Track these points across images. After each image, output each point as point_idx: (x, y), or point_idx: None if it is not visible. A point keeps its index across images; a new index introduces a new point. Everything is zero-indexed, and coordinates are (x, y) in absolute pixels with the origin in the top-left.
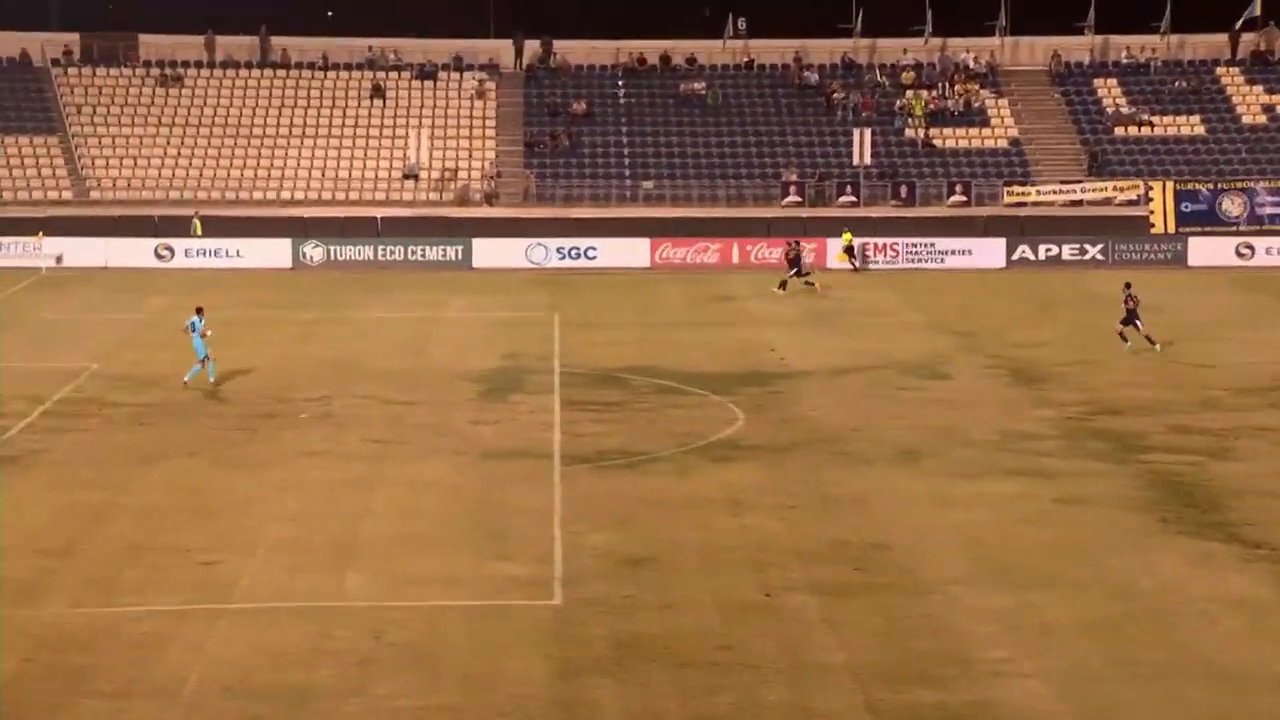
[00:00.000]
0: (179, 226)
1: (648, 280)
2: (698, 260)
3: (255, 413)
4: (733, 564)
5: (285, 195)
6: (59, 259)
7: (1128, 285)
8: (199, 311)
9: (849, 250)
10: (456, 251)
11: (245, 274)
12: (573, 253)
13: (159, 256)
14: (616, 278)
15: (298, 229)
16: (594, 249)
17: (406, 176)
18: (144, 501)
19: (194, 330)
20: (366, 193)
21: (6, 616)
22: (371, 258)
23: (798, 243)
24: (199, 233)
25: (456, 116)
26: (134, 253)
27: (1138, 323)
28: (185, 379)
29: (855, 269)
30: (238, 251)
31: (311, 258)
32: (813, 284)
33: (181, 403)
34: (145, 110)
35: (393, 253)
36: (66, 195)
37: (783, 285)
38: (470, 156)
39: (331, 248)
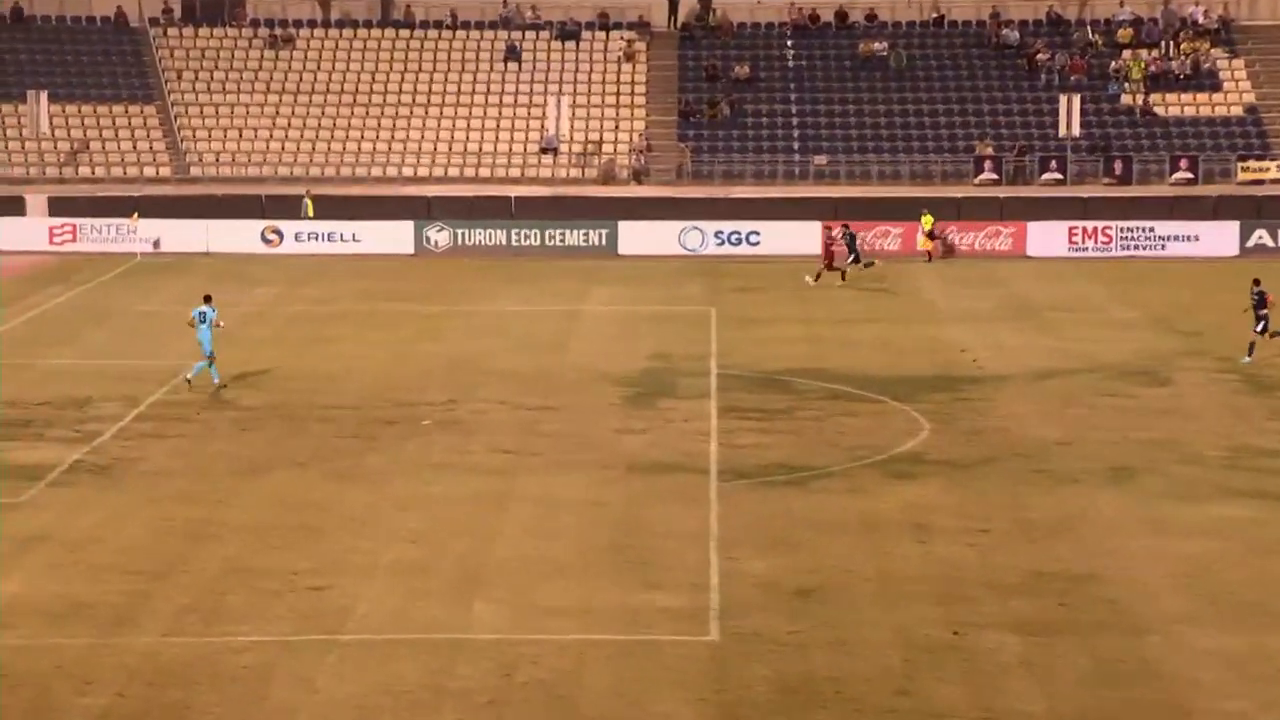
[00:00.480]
0: (288, 207)
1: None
2: (877, 246)
3: (372, 419)
4: (915, 596)
5: (407, 172)
6: (155, 243)
7: (1256, 282)
8: (208, 300)
9: (931, 235)
10: (600, 236)
11: (362, 261)
12: (732, 238)
13: (266, 240)
14: (782, 267)
15: (421, 210)
16: (757, 233)
17: (544, 151)
18: (248, 518)
19: (203, 322)
20: (499, 169)
21: (97, 646)
22: (504, 243)
23: (847, 227)
24: (311, 214)
25: (601, 82)
26: (238, 236)
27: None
28: (188, 376)
29: (930, 258)
30: (354, 235)
31: (436, 243)
32: (873, 264)
33: (290, 407)
34: (252, 76)
35: (528, 237)
36: (164, 171)
37: (843, 275)
38: (616, 128)
39: (459, 231)
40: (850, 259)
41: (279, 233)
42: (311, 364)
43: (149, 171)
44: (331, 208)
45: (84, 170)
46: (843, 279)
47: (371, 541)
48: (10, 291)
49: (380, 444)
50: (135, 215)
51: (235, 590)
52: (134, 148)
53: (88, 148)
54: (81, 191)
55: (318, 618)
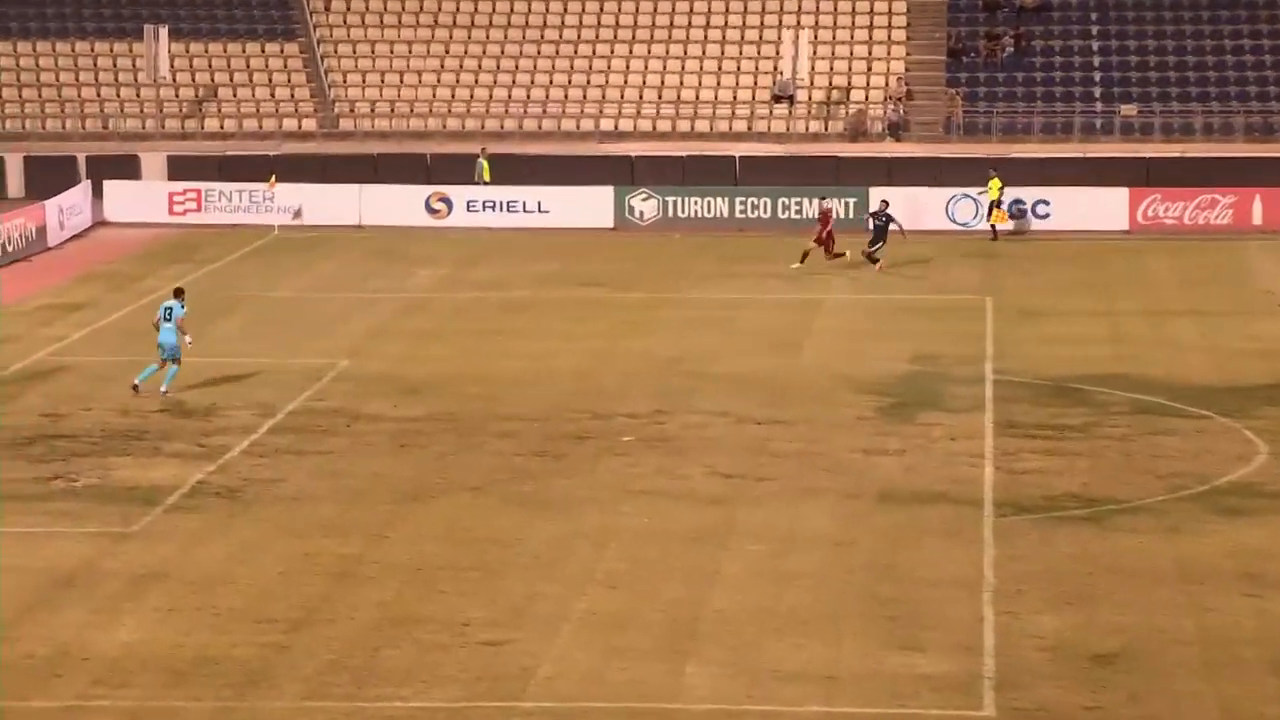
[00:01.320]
0: (460, 169)
1: (1125, 248)
2: (1200, 220)
3: (561, 433)
4: (1246, 664)
5: (606, 126)
6: (297, 213)
7: None
8: (179, 295)
9: (998, 205)
10: (845, 205)
11: (549, 236)
12: (1014, 208)
13: (431, 210)
14: (1077, 245)
15: (622, 173)
16: (1045, 203)
17: (777, 99)
18: (408, 555)
19: (168, 319)
20: (720, 122)
21: (225, 710)
22: (725, 213)
23: (886, 204)
24: (487, 178)
25: (850, 13)
26: (398, 204)
27: None
28: (163, 388)
29: (995, 234)
30: (539, 204)
31: (641, 213)
32: (878, 260)
33: (461, 418)
34: (415, 9)
35: (755, 207)
36: (308, 125)
37: (876, 262)
38: (869, 70)
39: (669, 199)
40: (876, 244)
41: (447, 201)
42: (486, 365)
43: (289, 125)
44: (512, 170)
45: (211, 124)
46: (877, 266)
47: (560, 585)
48: (121, 272)
49: (571, 465)
50: (272, 179)
51: (393, 644)
52: (272, 96)
53: (215, 95)
54: (208, 150)
55: (493, 679)
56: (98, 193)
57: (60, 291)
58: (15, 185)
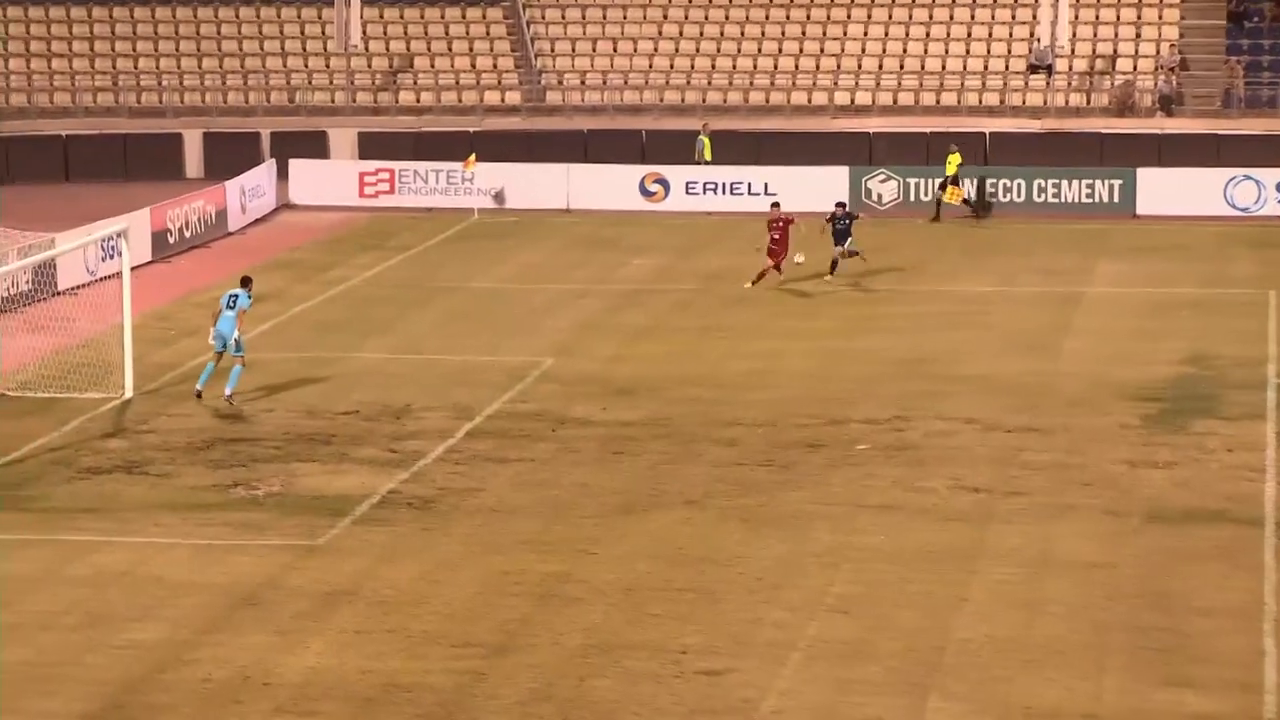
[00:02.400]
0: (679, 146)
1: None
2: None
3: (789, 441)
4: None
5: (841, 100)
6: (498, 196)
7: None
8: (246, 284)
9: (954, 181)
10: (1110, 189)
11: None
12: None
13: (646, 193)
14: None
15: (858, 152)
16: None
17: (1033, 69)
18: (618, 574)
19: (230, 307)
20: (968, 95)
21: None
22: (973, 196)
23: (843, 206)
24: (708, 157)
25: None
26: (610, 186)
27: None
28: (228, 390)
29: (937, 216)
30: (765, 186)
31: (879, 196)
32: (858, 253)
33: (678, 423)
34: None
35: (1008, 189)
36: (512, 99)
37: (833, 267)
38: (1137, 37)
39: (911, 181)
40: (840, 246)
41: (664, 182)
42: (706, 365)
43: (491, 99)
44: (737, 149)
45: (405, 97)
46: (831, 271)
47: (786, 610)
48: (307, 260)
49: (800, 475)
50: (472, 158)
51: (600, 672)
52: (472, 67)
53: (411, 66)
54: (401, 126)
55: (711, 713)
56: (282, 173)
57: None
58: (194, 164)
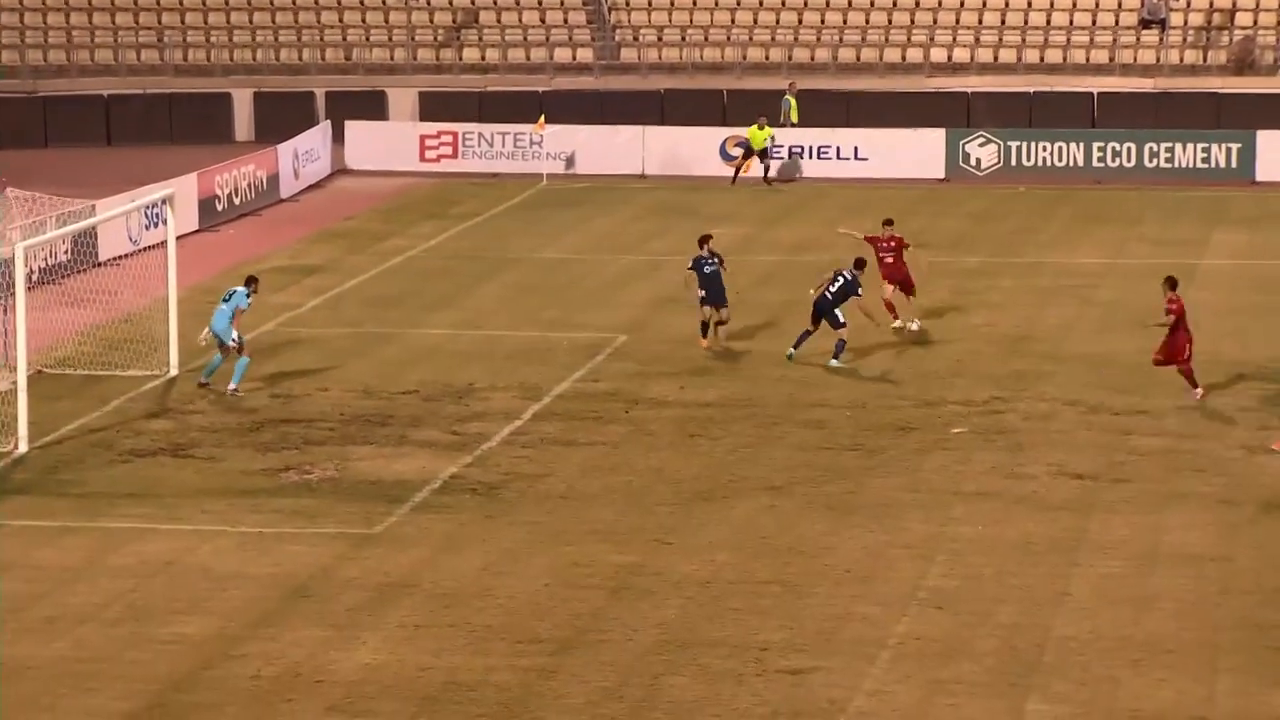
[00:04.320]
0: (762, 108)
1: None
2: None
3: (878, 424)
4: None
5: (937, 57)
6: (569, 160)
7: None
8: (250, 283)
9: (749, 152)
10: (1227, 153)
11: (868, 188)
12: None
13: (727, 157)
14: None
15: (956, 114)
16: None
17: (1145, 24)
18: (695, 566)
19: (225, 300)
20: (1074, 52)
21: None
22: (1079, 162)
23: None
24: (794, 119)
25: None
26: (686, 150)
27: None
28: (231, 385)
29: (734, 179)
30: (855, 150)
31: (978, 161)
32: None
33: (759, 404)
34: None
35: (1116, 154)
36: (584, 56)
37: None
38: None
39: (1012, 145)
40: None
41: (745, 146)
42: (790, 341)
43: (562, 56)
44: (825, 110)
45: (470, 55)
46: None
47: (875, 605)
48: (364, 229)
49: (889, 460)
50: (541, 120)
51: (676, 670)
52: (541, 21)
53: (476, 20)
54: (465, 85)
55: (795, 713)
56: (338, 135)
57: (294, 251)
58: (244, 126)
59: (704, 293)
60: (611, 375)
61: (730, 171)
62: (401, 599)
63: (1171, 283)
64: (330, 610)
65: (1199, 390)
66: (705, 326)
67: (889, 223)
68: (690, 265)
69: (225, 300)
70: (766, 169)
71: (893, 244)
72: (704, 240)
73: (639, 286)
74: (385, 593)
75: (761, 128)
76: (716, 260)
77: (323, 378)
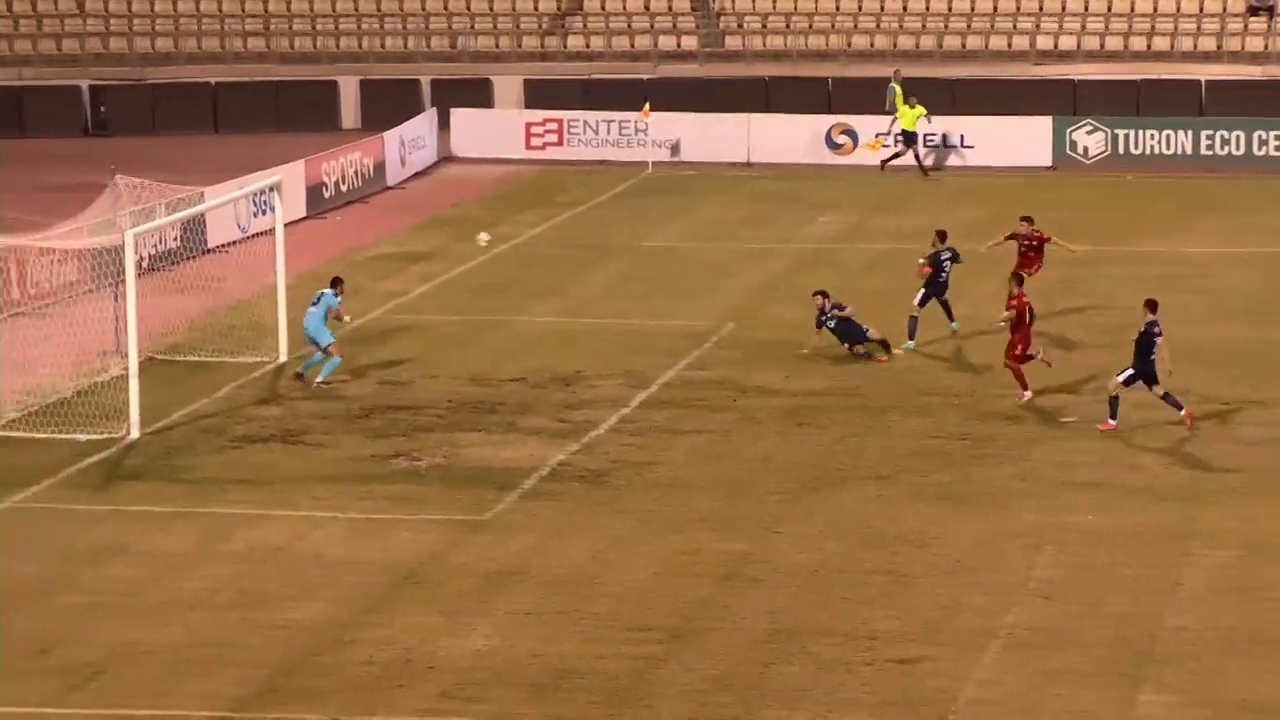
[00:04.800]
0: (867, 95)
1: None
2: None
3: (987, 412)
4: None
5: (1043, 44)
6: (674, 148)
7: None
8: (336, 285)
9: (907, 140)
10: None
11: (974, 176)
12: None
13: (833, 145)
14: None
15: (1063, 101)
16: None
17: (1254, 10)
18: (803, 554)
19: (314, 303)
20: (1182, 40)
21: None
22: (1188, 150)
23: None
24: (903, 108)
25: None
26: (792, 138)
27: None
28: (319, 379)
29: (922, 169)
30: (961, 138)
31: (1085, 149)
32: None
33: (868, 393)
34: None
35: (1226, 142)
36: (688, 44)
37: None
38: None
39: (1120, 133)
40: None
41: (851, 133)
42: (897, 329)
43: (666, 44)
44: (930, 97)
45: (575, 43)
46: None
47: (985, 595)
48: (470, 216)
49: (999, 449)
50: (646, 107)
51: (785, 659)
52: (646, 9)
53: (580, 9)
54: (570, 73)
55: (904, 704)
56: (444, 123)
57: (401, 239)
58: (350, 114)
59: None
60: (718, 363)
61: (885, 156)
62: (511, 586)
63: (1019, 280)
64: (440, 596)
65: (1027, 393)
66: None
67: (1028, 220)
68: (927, 259)
69: (314, 304)
70: (919, 157)
71: (1034, 240)
72: (940, 235)
73: (744, 274)
74: (495, 579)
75: (912, 106)
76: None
77: (431, 365)
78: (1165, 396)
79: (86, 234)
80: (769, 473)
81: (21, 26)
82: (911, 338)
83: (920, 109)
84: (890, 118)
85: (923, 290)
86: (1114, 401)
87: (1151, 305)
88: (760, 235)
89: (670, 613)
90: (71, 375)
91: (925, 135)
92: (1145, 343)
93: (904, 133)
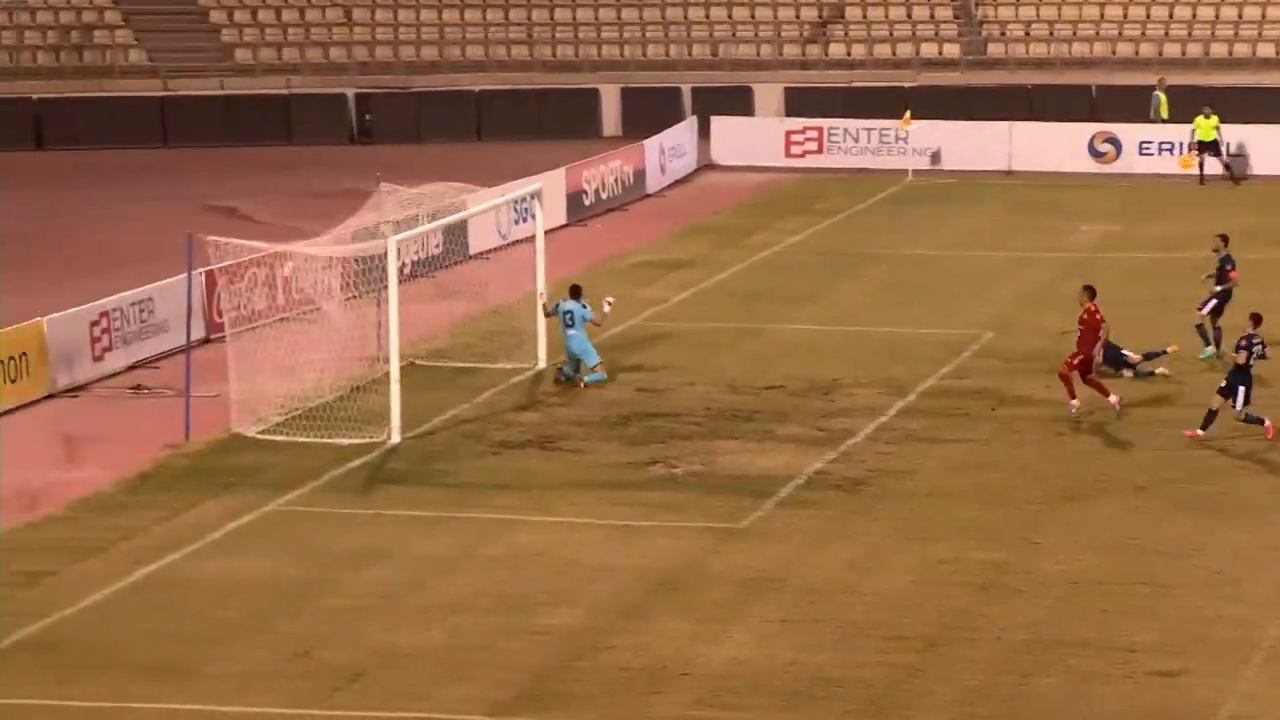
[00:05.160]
0: (1131, 104)
1: None
2: None
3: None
4: None
5: None
6: (934, 156)
7: None
8: (575, 294)
9: (1207, 147)
10: None
11: (1245, 185)
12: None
13: (1095, 153)
14: None
15: None
16: None
17: None
18: (1062, 565)
19: (570, 325)
20: None
21: None
22: None
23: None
24: (1165, 114)
25: None
26: (1055, 146)
27: None
28: (586, 379)
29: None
30: (1228, 146)
31: None
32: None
33: (1124, 400)
34: None
35: None
36: (950, 51)
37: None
38: None
39: None
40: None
41: (1115, 142)
42: (1158, 340)
43: (928, 52)
44: (1198, 105)
45: (836, 50)
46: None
47: (1247, 607)
48: (730, 224)
49: (1259, 461)
50: (907, 115)
51: (1044, 670)
52: (908, 17)
53: (841, 17)
54: (831, 81)
55: (1166, 716)
56: (704, 131)
57: (660, 246)
58: (611, 122)
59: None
60: (977, 372)
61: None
62: (768, 594)
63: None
64: (697, 603)
65: (1075, 402)
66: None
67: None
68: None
69: (569, 325)
70: (1226, 166)
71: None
72: (1223, 239)
73: (1004, 283)
74: (751, 587)
75: (1207, 116)
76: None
77: (688, 372)
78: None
79: (350, 240)
80: (1027, 482)
81: (290, 35)
82: (1208, 344)
83: (1214, 118)
84: (1188, 129)
85: (1213, 300)
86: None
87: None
88: (1021, 243)
89: (927, 622)
90: (334, 380)
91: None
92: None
93: (1201, 143)
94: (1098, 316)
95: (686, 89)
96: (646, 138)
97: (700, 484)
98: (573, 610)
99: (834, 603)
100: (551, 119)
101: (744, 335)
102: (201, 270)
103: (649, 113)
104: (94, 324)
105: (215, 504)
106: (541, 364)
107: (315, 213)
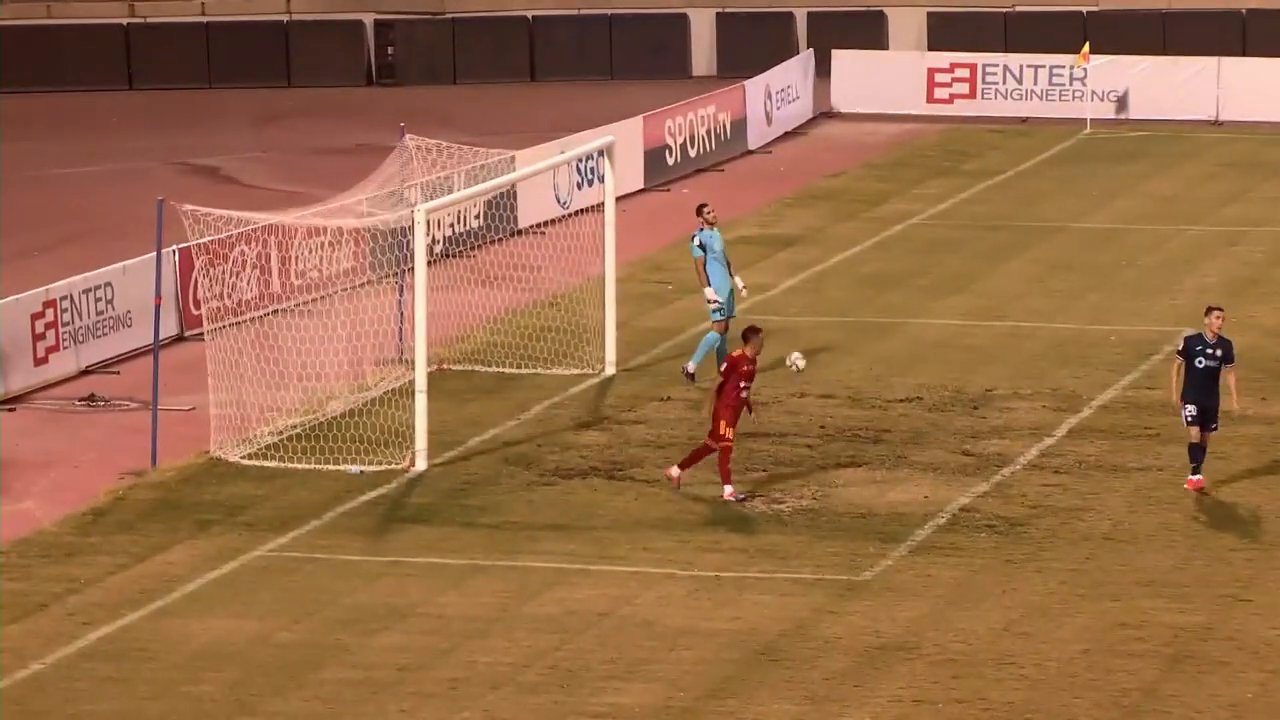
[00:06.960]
0: None
1: None
2: None
3: None
4: None
5: None
6: (1120, 100)
7: None
8: (703, 210)
9: None
10: None
11: None
12: None
13: None
14: None
15: None
16: None
17: None
18: (1275, 629)
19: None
20: None
21: None
22: None
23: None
24: None
25: None
26: (1275, 87)
27: None
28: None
29: None
30: None
31: None
32: None
33: None
34: None
35: None
36: None
37: None
38: None
39: None
40: None
41: None
42: None
43: None
44: None
45: None
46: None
47: None
48: (854, 189)
49: None
50: (1085, 49)
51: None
52: None
53: None
54: (987, 4)
55: None
56: (822, 69)
57: (764, 218)
58: (703, 58)
59: None
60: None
61: None
62: (897, 666)
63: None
64: (805, 678)
65: None
66: None
67: None
68: None
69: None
70: None
71: None
72: None
73: (1209, 266)
74: (876, 657)
75: None
76: None
77: (799, 379)
78: None
79: (366, 210)
80: (1234, 522)
81: None
82: None
83: None
84: None
85: None
86: None
87: None
88: (1229, 215)
89: (1104, 703)
90: (343, 390)
91: None
92: None
93: None
94: None
95: (800, 14)
96: (748, 78)
97: (812, 524)
98: (646, 687)
99: (982, 678)
100: (626, 54)
101: (870, 332)
102: (175, 248)
103: (751, 45)
104: (36, 316)
105: (187, 548)
106: (609, 369)
107: (320, 174)
